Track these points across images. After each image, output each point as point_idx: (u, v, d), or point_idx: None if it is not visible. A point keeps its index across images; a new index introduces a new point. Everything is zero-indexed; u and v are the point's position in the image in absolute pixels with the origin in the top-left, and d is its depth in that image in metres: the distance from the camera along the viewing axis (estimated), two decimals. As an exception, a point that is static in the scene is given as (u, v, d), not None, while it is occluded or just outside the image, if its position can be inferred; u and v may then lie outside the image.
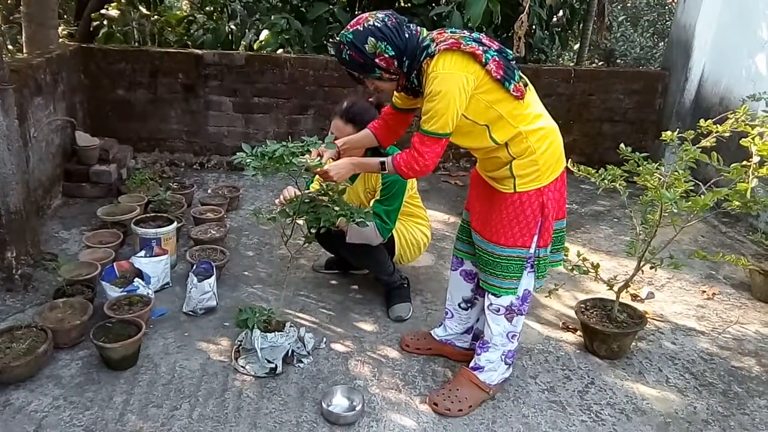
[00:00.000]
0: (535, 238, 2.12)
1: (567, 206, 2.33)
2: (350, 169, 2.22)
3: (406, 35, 1.98)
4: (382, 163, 2.13)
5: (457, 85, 1.89)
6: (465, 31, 2.00)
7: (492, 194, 2.13)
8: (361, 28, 1.96)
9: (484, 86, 1.94)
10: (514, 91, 1.95)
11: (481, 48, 1.92)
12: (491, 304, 2.22)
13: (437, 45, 1.94)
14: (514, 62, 2.00)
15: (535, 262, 2.17)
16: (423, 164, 2.02)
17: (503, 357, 2.29)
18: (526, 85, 2.01)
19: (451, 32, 1.99)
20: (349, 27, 1.99)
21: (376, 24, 1.95)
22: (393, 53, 1.96)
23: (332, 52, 5.81)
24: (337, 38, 2.02)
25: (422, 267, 3.40)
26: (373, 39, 1.94)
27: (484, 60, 1.91)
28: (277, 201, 2.54)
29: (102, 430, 2.06)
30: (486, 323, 2.27)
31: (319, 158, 2.17)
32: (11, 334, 2.36)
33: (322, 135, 2.21)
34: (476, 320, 2.50)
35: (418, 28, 2.04)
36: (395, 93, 2.21)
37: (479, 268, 2.25)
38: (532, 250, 2.13)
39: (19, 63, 3.59)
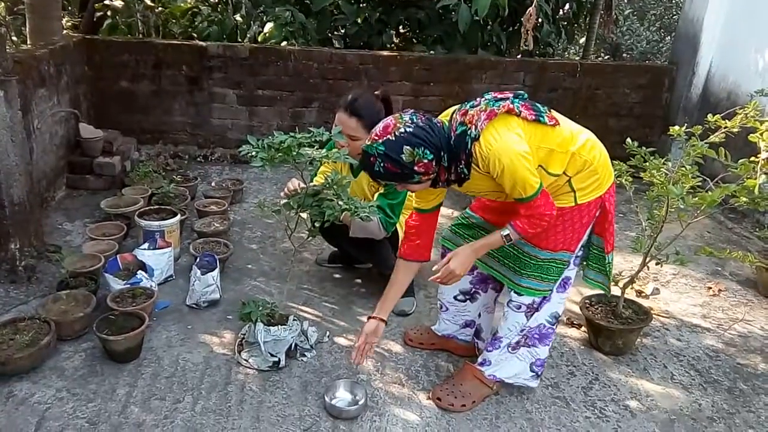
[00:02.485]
0: (583, 240, 2.12)
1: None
2: (473, 258, 2.10)
3: (437, 130, 1.88)
4: (506, 236, 2.00)
5: (516, 143, 1.85)
6: (478, 99, 1.96)
7: None
8: (393, 138, 1.82)
9: (527, 133, 1.91)
10: (549, 121, 1.93)
11: (507, 102, 1.91)
12: (512, 301, 2.19)
13: (475, 127, 1.87)
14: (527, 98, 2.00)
15: (607, 269, 2.19)
16: (549, 217, 1.94)
17: (510, 349, 2.25)
18: (550, 110, 2.00)
19: (470, 106, 1.93)
20: (376, 137, 1.85)
21: (407, 129, 1.83)
22: (431, 156, 1.85)
23: (337, 45, 5.79)
24: (364, 149, 1.89)
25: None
26: (408, 147, 1.82)
27: (517, 111, 1.90)
28: (282, 194, 2.53)
29: (105, 422, 2.06)
30: (503, 318, 2.24)
31: (338, 151, 2.14)
32: (15, 326, 2.36)
33: (326, 128, 2.19)
34: (477, 315, 2.47)
35: (437, 119, 1.96)
36: (416, 196, 2.15)
37: (514, 270, 2.18)
38: (575, 253, 2.13)
39: (23, 54, 3.58)
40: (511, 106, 1.90)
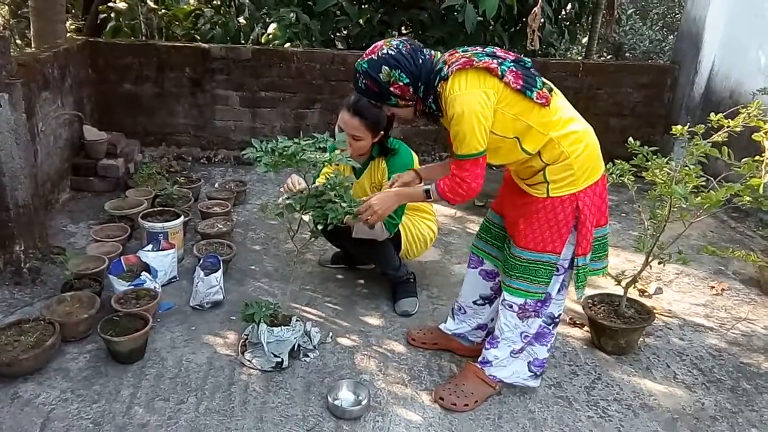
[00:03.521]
0: (568, 245, 2.06)
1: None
2: (395, 201, 2.24)
3: (420, 61, 1.97)
4: (427, 192, 2.15)
5: (478, 102, 1.87)
6: (478, 48, 1.97)
7: (523, 198, 2.08)
8: (376, 57, 1.96)
9: (505, 99, 1.91)
10: (537, 98, 1.90)
11: (495, 61, 1.90)
12: (505, 299, 2.19)
13: (449, 67, 1.91)
14: (532, 69, 1.96)
15: (576, 272, 2.11)
16: (467, 188, 2.00)
17: (513, 354, 2.25)
18: (550, 90, 1.97)
19: (462, 51, 1.96)
20: (364, 56, 2.00)
21: (390, 52, 1.96)
22: (407, 80, 1.96)
23: (340, 46, 5.80)
24: (355, 66, 2.04)
25: (428, 262, 3.39)
26: (387, 67, 1.95)
27: (500, 72, 1.88)
28: (282, 188, 2.53)
29: (109, 423, 2.07)
30: (497, 318, 2.25)
31: (339, 154, 2.16)
32: (19, 327, 2.37)
33: (329, 129, 2.21)
34: (491, 319, 2.46)
35: (432, 52, 2.03)
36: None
37: (504, 272, 2.18)
38: (562, 256, 2.08)
39: (27, 57, 3.60)
40: (493, 65, 1.88)
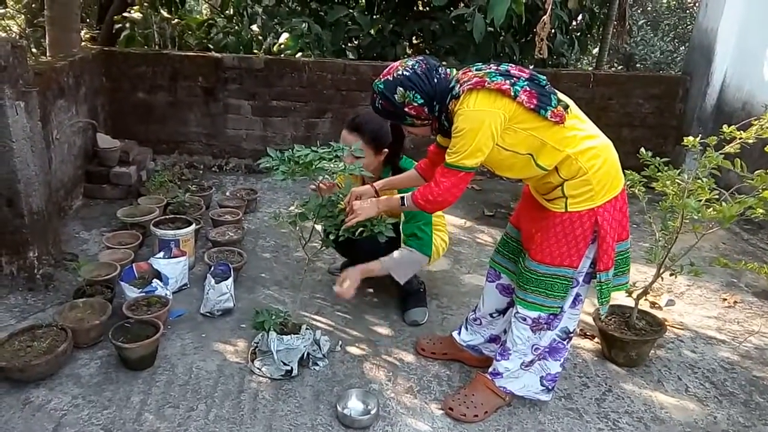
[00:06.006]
0: (585, 258, 2.05)
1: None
2: (374, 209, 2.27)
3: (435, 80, 1.99)
4: (402, 199, 2.19)
5: (484, 122, 1.87)
6: (492, 66, 1.97)
7: (541, 212, 2.08)
8: (391, 78, 2.00)
9: (518, 117, 1.90)
10: (551, 117, 1.90)
11: (508, 81, 1.89)
12: (518, 312, 2.17)
13: (461, 86, 1.93)
14: (548, 87, 1.95)
15: (599, 288, 2.09)
16: (437, 194, 2.02)
17: (524, 366, 2.23)
18: (566, 107, 1.96)
19: (476, 70, 1.96)
20: (381, 76, 2.03)
21: (405, 73, 1.98)
22: (422, 101, 1.99)
23: (351, 56, 5.84)
24: (372, 86, 2.07)
25: (438, 271, 3.39)
26: (401, 89, 1.98)
27: (513, 93, 1.87)
28: (317, 186, 2.48)
29: (119, 430, 2.08)
30: (510, 330, 2.23)
31: (343, 164, 2.17)
32: (32, 333, 2.40)
33: (339, 139, 2.22)
34: (503, 331, 2.44)
35: (448, 70, 2.04)
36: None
37: (519, 286, 2.17)
38: (578, 270, 2.06)
39: (43, 66, 3.64)
40: (505, 86, 1.88)
